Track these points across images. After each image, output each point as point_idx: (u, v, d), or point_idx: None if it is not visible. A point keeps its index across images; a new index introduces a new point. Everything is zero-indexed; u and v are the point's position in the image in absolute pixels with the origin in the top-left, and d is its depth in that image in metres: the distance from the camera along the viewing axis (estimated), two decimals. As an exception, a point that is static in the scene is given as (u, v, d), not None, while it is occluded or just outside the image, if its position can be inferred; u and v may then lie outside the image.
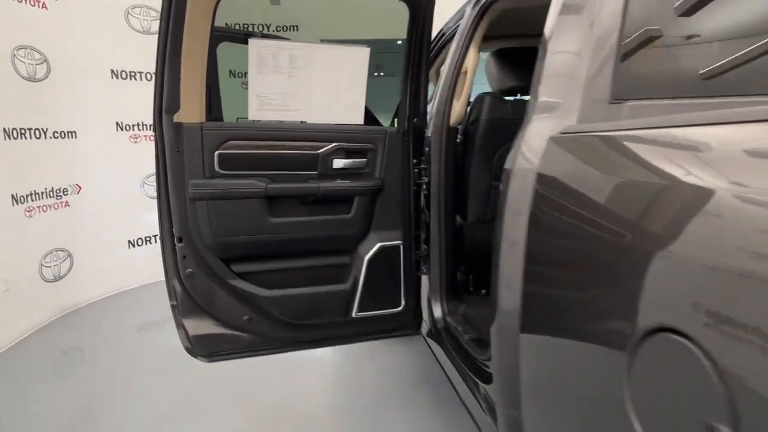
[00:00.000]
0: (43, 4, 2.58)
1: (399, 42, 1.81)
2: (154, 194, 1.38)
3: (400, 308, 1.61)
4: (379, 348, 2.33)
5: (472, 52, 1.60)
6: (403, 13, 1.46)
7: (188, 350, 1.45)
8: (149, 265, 3.12)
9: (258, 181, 1.38)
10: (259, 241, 1.44)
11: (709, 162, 0.52)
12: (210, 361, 1.46)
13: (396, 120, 1.64)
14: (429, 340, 1.70)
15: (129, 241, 3.24)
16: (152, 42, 1.27)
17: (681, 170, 0.54)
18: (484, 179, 1.69)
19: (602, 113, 0.77)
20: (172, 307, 1.41)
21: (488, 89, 1.79)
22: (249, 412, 1.84)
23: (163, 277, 1.40)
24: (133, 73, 3.10)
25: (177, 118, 1.30)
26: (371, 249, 1.53)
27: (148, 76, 3.12)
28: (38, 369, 2.24)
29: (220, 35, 1.62)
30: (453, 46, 1.65)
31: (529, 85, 1.71)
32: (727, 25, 0.61)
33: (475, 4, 1.60)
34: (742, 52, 0.53)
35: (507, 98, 1.72)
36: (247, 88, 1.35)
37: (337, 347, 2.22)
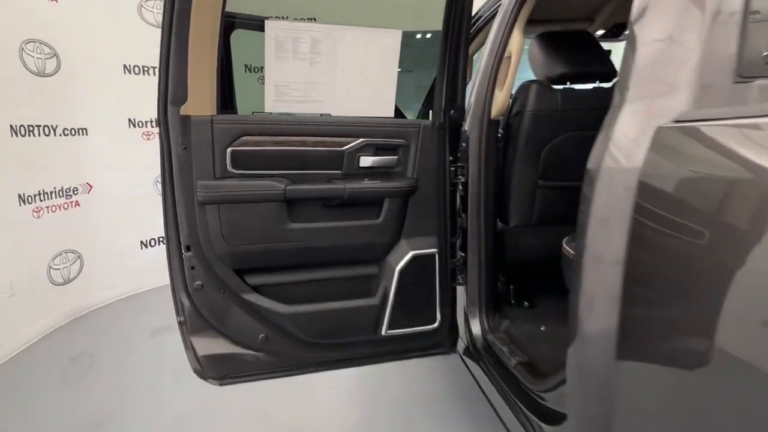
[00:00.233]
0: (52, -6, 2.48)
1: (418, 36, 1.66)
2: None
3: (435, 324, 1.44)
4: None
5: (516, 35, 1.42)
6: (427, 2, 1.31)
7: (197, 372, 1.32)
8: (163, 267, 3.00)
9: (276, 182, 1.24)
10: (277, 249, 1.29)
11: None
12: (222, 385, 1.33)
13: (431, 113, 1.46)
14: (466, 358, 1.52)
15: (142, 242, 3.16)
16: (166, 36, 1.12)
17: None
18: (529, 178, 1.52)
19: (723, 96, 0.61)
20: (180, 323, 1.28)
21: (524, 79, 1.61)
22: (266, 427, 1.70)
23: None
24: (146, 68, 2.99)
25: (184, 110, 1.15)
26: (403, 258, 1.38)
27: (162, 72, 3.02)
28: (46, 376, 2.16)
29: (233, 21, 1.49)
30: (494, 29, 1.47)
31: (583, 72, 1.53)
32: None
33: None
34: None
35: (556, 87, 1.53)
36: (263, 83, 1.21)
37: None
